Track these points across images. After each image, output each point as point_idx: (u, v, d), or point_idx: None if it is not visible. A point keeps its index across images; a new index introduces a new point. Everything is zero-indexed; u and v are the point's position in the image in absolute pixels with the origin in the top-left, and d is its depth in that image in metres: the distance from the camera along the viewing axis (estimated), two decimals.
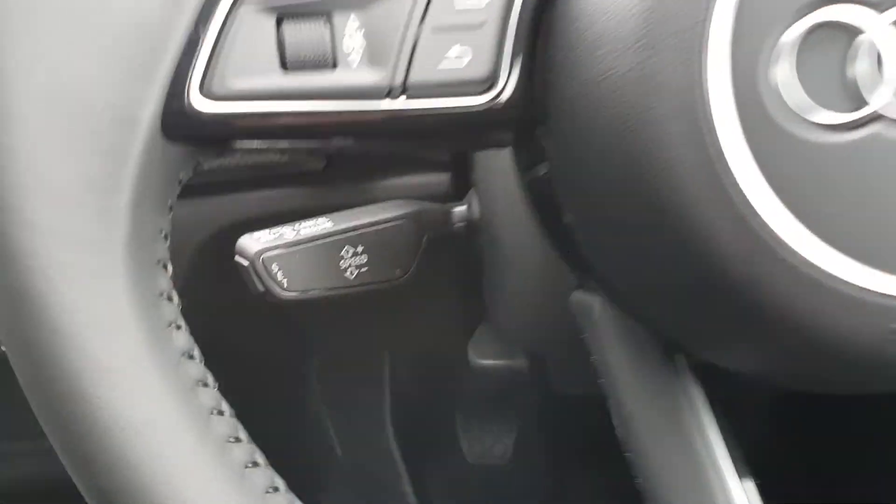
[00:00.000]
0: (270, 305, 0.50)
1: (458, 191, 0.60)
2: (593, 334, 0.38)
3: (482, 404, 1.15)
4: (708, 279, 0.29)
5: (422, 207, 0.50)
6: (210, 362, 0.32)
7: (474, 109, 0.32)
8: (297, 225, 0.47)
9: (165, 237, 0.32)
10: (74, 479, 0.29)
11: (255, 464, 0.30)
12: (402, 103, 0.32)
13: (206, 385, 0.30)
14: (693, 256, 0.29)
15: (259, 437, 0.32)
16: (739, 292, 0.29)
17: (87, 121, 0.29)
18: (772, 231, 0.28)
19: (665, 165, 0.28)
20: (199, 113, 0.31)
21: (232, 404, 0.31)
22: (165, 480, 0.28)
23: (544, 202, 0.37)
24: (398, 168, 0.60)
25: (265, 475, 0.30)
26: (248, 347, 0.86)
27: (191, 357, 0.30)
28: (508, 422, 1.15)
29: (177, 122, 0.31)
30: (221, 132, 0.32)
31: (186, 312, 0.32)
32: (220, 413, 0.30)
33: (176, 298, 0.31)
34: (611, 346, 0.37)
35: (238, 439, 0.30)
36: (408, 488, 1.11)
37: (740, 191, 0.28)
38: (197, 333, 0.32)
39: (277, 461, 0.32)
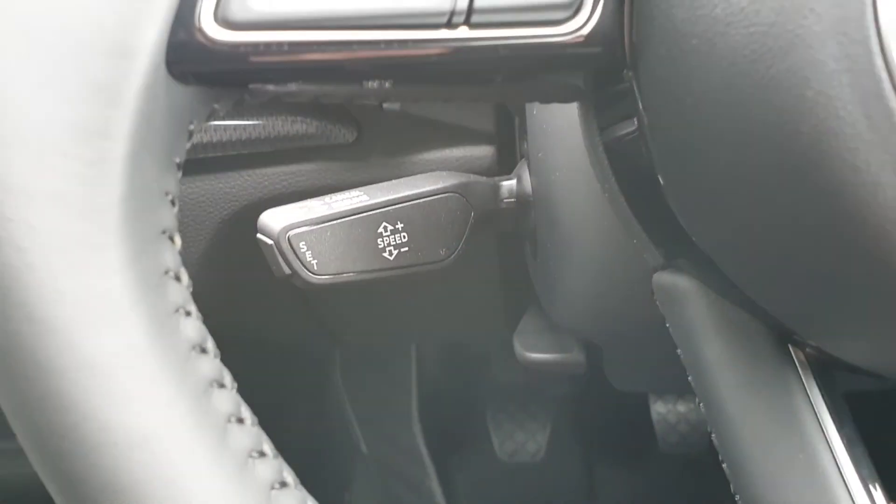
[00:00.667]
0: (293, 291, 0.45)
1: (504, 165, 0.55)
2: (682, 322, 0.32)
3: (515, 399, 1.11)
4: (864, 241, 0.23)
5: (469, 180, 0.45)
6: (225, 356, 0.25)
7: (552, 42, 0.26)
8: (327, 198, 0.41)
9: (173, 202, 0.25)
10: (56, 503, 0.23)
11: (284, 484, 0.24)
12: (463, 34, 0.26)
13: (222, 386, 0.24)
14: (844, 212, 0.23)
15: (281, 434, 0.26)
16: None
17: (69, 50, 0.23)
18: None
19: (819, 100, 0.22)
20: (213, 44, 0.25)
21: (249, 402, 0.25)
22: None
23: (629, 165, 0.31)
24: (437, 140, 0.54)
25: (296, 499, 0.24)
26: (266, 338, 0.81)
27: (203, 351, 0.24)
28: (542, 418, 1.10)
29: (185, 55, 0.25)
30: (241, 70, 0.26)
31: (201, 298, 0.26)
32: (241, 421, 0.24)
33: (185, 278, 0.25)
34: (707, 336, 0.31)
35: (263, 454, 0.24)
36: (436, 487, 1.07)
37: None
38: (211, 322, 0.25)
39: (301, 459, 0.26)
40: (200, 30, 0.25)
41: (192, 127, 0.26)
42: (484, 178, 0.47)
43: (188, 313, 0.24)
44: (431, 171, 0.51)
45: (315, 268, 0.39)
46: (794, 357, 0.30)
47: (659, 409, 1.04)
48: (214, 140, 0.51)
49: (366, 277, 0.41)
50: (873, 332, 0.26)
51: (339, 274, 0.40)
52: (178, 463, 0.22)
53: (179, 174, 0.26)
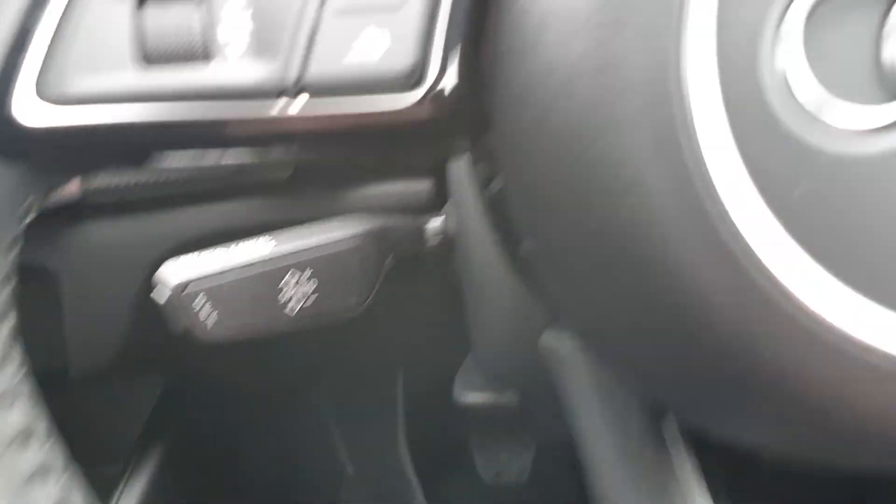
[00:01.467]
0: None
1: (441, 200, 0.54)
2: (562, 387, 0.31)
3: (499, 420, 1.10)
4: (687, 325, 0.22)
5: (385, 223, 0.44)
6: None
7: (396, 111, 0.25)
8: (232, 246, 0.40)
9: (5, 279, 0.25)
10: None
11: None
12: (302, 105, 0.25)
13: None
14: (666, 296, 0.22)
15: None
16: (726, 345, 0.22)
17: None
18: (770, 271, 0.21)
19: (630, 181, 0.21)
20: (28, 124, 0.24)
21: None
22: None
23: (502, 224, 0.30)
24: (374, 175, 0.54)
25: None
26: (241, 372, 0.80)
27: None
28: (525, 439, 1.09)
29: (2, 135, 0.24)
30: (63, 150, 0.25)
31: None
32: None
33: (12, 365, 0.24)
34: (584, 401, 0.30)
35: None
36: None
37: (728, 217, 0.21)
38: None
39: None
40: (15, 110, 0.24)
41: (26, 206, 0.25)
42: (406, 219, 0.46)
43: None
44: (369, 206, 0.50)
45: (209, 326, 0.38)
46: (668, 428, 0.29)
47: None
48: (142, 182, 0.50)
49: (269, 332, 0.40)
50: (716, 412, 0.25)
51: (237, 330, 0.39)
52: None
53: (14, 252, 0.25)
